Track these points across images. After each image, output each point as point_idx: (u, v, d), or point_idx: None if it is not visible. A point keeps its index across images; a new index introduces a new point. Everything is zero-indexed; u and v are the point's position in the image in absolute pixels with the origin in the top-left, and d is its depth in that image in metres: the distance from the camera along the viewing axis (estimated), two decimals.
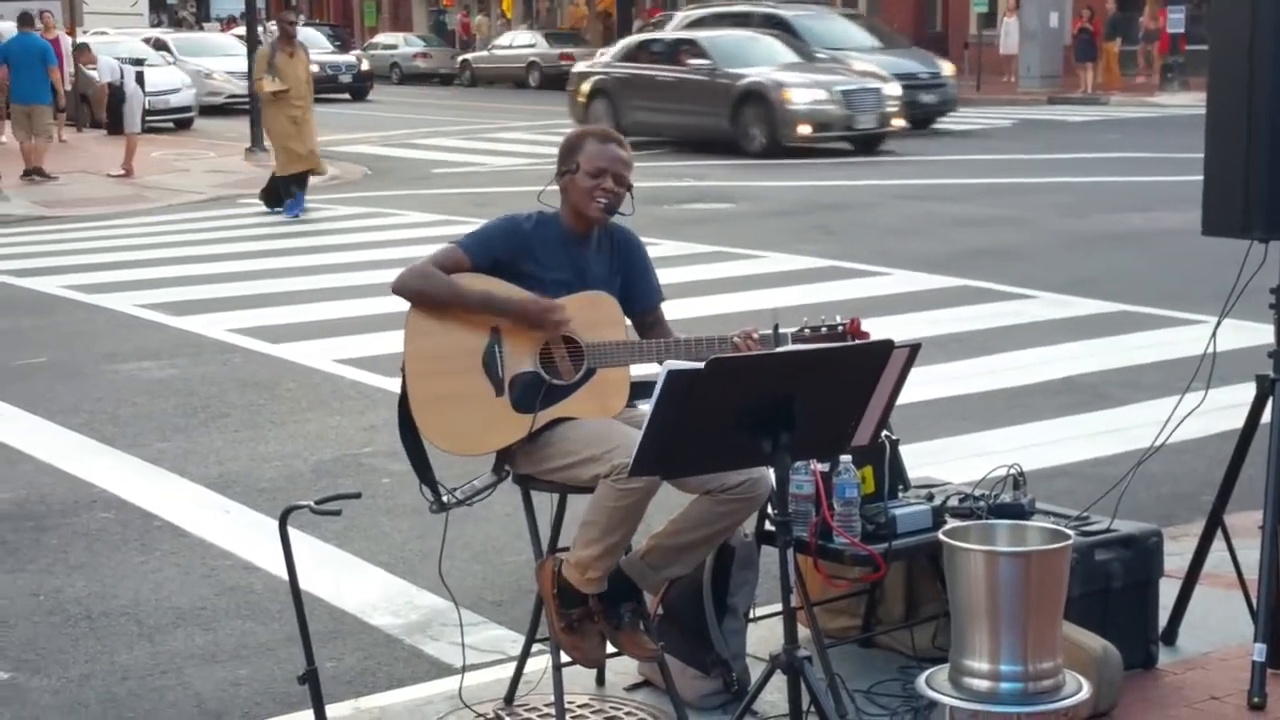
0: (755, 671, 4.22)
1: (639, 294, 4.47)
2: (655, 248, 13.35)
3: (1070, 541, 3.62)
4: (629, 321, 4.44)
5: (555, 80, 39.38)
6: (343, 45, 46.92)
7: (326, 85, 33.98)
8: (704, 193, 18.27)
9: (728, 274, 12.38)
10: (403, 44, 49.72)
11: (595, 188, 4.34)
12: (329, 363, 9.52)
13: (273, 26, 17.91)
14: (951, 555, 3.59)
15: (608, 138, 4.46)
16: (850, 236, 14.49)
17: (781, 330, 4.23)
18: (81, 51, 24.38)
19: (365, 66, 40.19)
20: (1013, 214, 15.42)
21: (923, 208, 16.36)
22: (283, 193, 17.29)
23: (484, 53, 46.61)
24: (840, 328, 4.26)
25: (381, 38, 52.36)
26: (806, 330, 4.25)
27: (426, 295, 4.28)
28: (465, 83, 45.39)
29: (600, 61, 26.10)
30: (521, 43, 44.95)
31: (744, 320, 4.32)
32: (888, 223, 15.34)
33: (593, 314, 4.31)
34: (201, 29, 54.82)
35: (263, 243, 15.27)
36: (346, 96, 38.12)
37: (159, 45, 33.30)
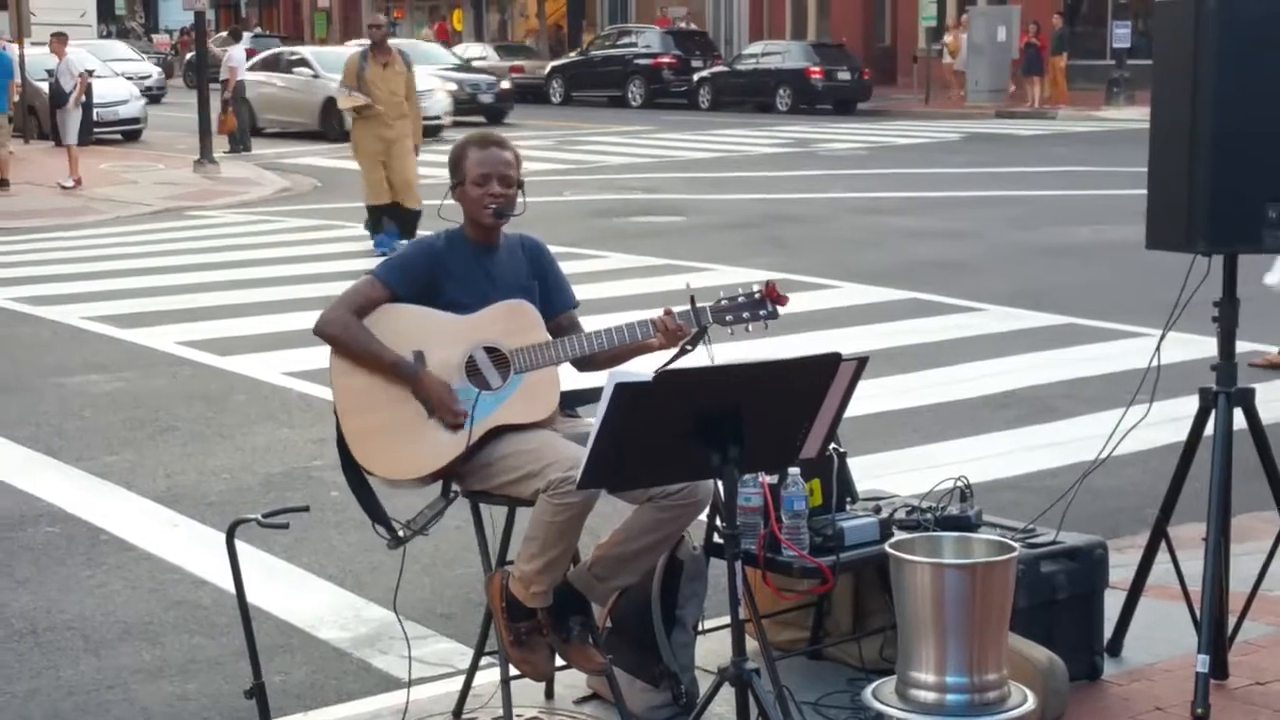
0: (704, 684, 4.24)
1: (555, 298, 4.52)
2: (603, 260, 13.54)
3: (1015, 553, 3.65)
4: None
5: (505, 92, 39.40)
6: None
7: (465, 107, 31.53)
8: (654, 205, 18.30)
9: (677, 287, 12.40)
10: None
11: (483, 195, 4.39)
12: (278, 375, 9.48)
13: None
14: (898, 567, 3.61)
15: (486, 142, 4.50)
16: (802, 249, 14.54)
17: (700, 304, 4.26)
18: (59, 40, 23.94)
19: (507, 85, 34.71)
20: (962, 227, 15.53)
21: (874, 221, 16.45)
22: (370, 222, 14.96)
23: None
24: (758, 294, 4.29)
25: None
26: (724, 300, 4.28)
27: (343, 347, 4.32)
28: None
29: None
30: (472, 55, 44.89)
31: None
32: (840, 235, 15.41)
33: (512, 322, 4.35)
34: (150, 40, 54.59)
35: (211, 255, 15.18)
36: (483, 120, 32.25)
37: (297, 62, 30.75)
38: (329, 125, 27.62)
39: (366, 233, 15.05)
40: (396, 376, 4.29)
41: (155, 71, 40.50)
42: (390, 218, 14.56)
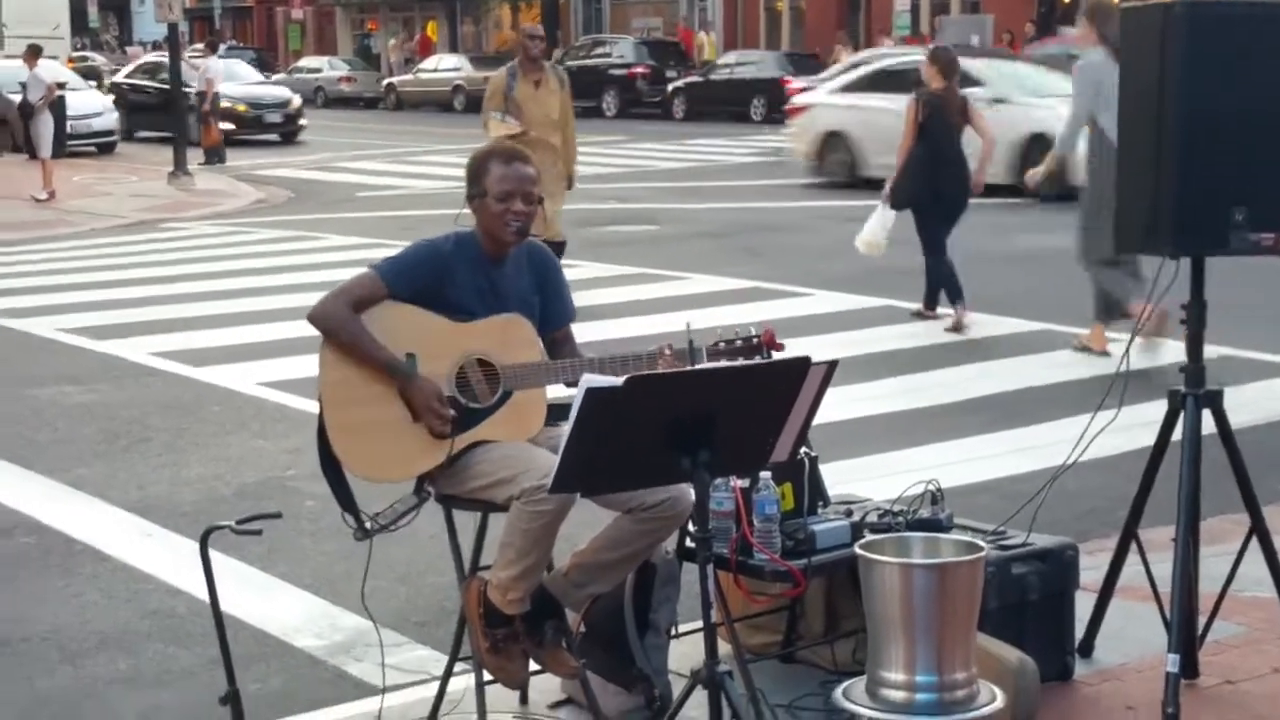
0: (677, 687, 4.25)
1: (554, 312, 4.50)
2: (578, 269, 13.54)
3: (983, 553, 3.68)
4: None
5: (480, 103, 39.37)
6: (265, 69, 46.81)
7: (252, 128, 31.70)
8: (628, 215, 18.33)
9: (651, 295, 12.43)
10: (327, 68, 49.53)
11: (505, 211, 4.35)
12: (252, 385, 9.47)
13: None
14: (867, 568, 3.64)
15: (512, 157, 4.46)
16: (775, 258, 14.58)
17: (696, 345, 4.27)
18: (31, 54, 23.85)
19: (297, 102, 33.79)
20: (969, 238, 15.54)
21: (848, 229, 16.30)
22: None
23: (409, 76, 46.52)
24: (755, 339, 4.31)
25: (306, 61, 52.10)
26: (721, 343, 4.30)
27: (338, 340, 4.28)
28: (390, 106, 45.27)
29: None
30: (447, 66, 44.92)
31: (666, 341, 4.36)
32: (814, 244, 15.45)
33: (507, 336, 4.33)
34: (124, 53, 54.40)
35: (186, 266, 15.17)
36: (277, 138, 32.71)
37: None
38: None
39: None
40: (388, 375, 4.26)
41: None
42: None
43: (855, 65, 23.45)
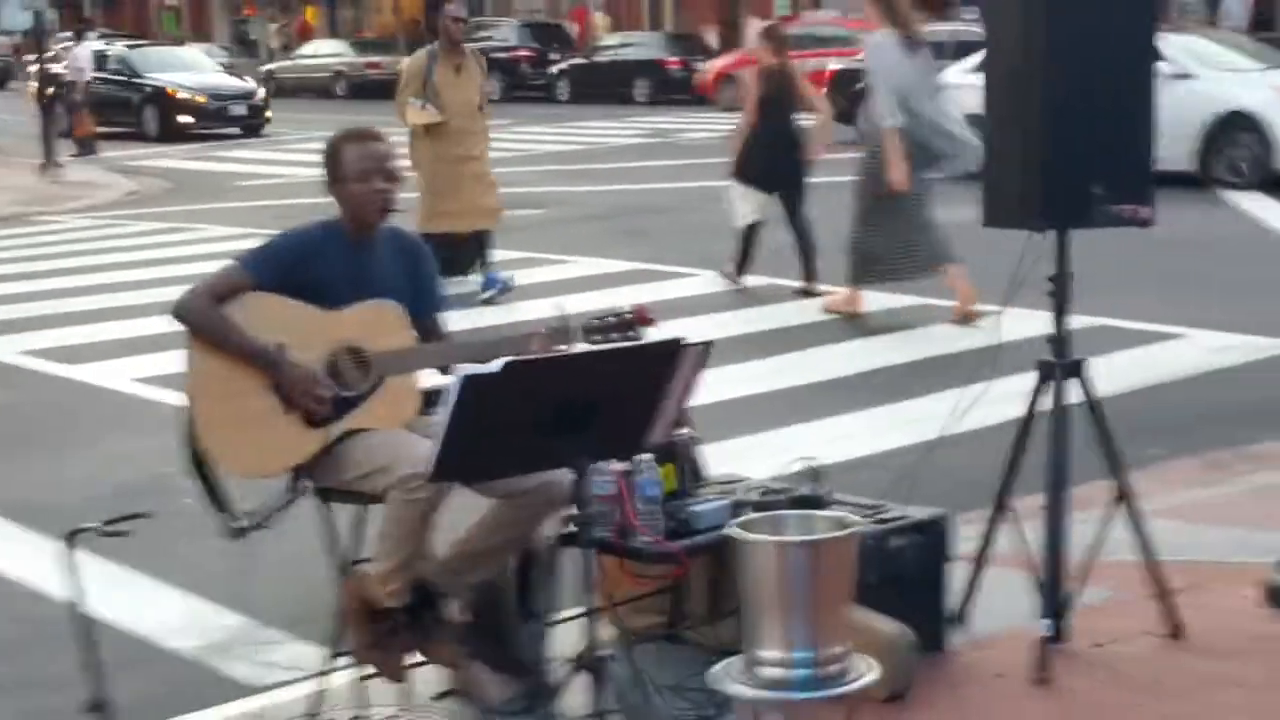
0: (562, 674, 4.25)
1: (425, 300, 4.48)
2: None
3: (855, 529, 3.71)
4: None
5: (362, 89, 39.03)
6: None
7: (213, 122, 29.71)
8: (513, 199, 18.23)
9: (538, 280, 12.39)
10: (204, 55, 48.75)
11: (367, 190, 4.32)
12: (128, 382, 9.32)
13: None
14: (741, 547, 3.66)
15: (364, 137, 4.44)
16: (662, 239, 14.60)
17: (569, 322, 4.27)
18: None
19: (262, 93, 31.59)
20: (818, 213, 15.64)
21: None
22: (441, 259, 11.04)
23: (288, 62, 45.94)
24: (627, 316, 4.32)
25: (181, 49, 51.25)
26: (593, 320, 4.30)
27: (202, 331, 4.23)
28: (270, 93, 44.70)
29: None
30: (327, 51, 44.42)
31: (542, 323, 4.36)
32: (699, 224, 15.47)
33: (378, 323, 4.30)
34: None
35: (57, 261, 14.89)
36: (238, 132, 30.04)
37: None
38: None
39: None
40: (256, 365, 4.21)
41: None
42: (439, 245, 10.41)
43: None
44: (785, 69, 11.39)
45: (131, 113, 30.07)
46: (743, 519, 3.89)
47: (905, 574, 4.60)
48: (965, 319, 9.83)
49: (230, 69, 34.35)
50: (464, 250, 11.48)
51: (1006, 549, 4.83)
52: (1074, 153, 4.42)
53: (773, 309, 10.86)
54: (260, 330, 4.22)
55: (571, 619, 4.75)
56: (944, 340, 9.48)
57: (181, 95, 29.65)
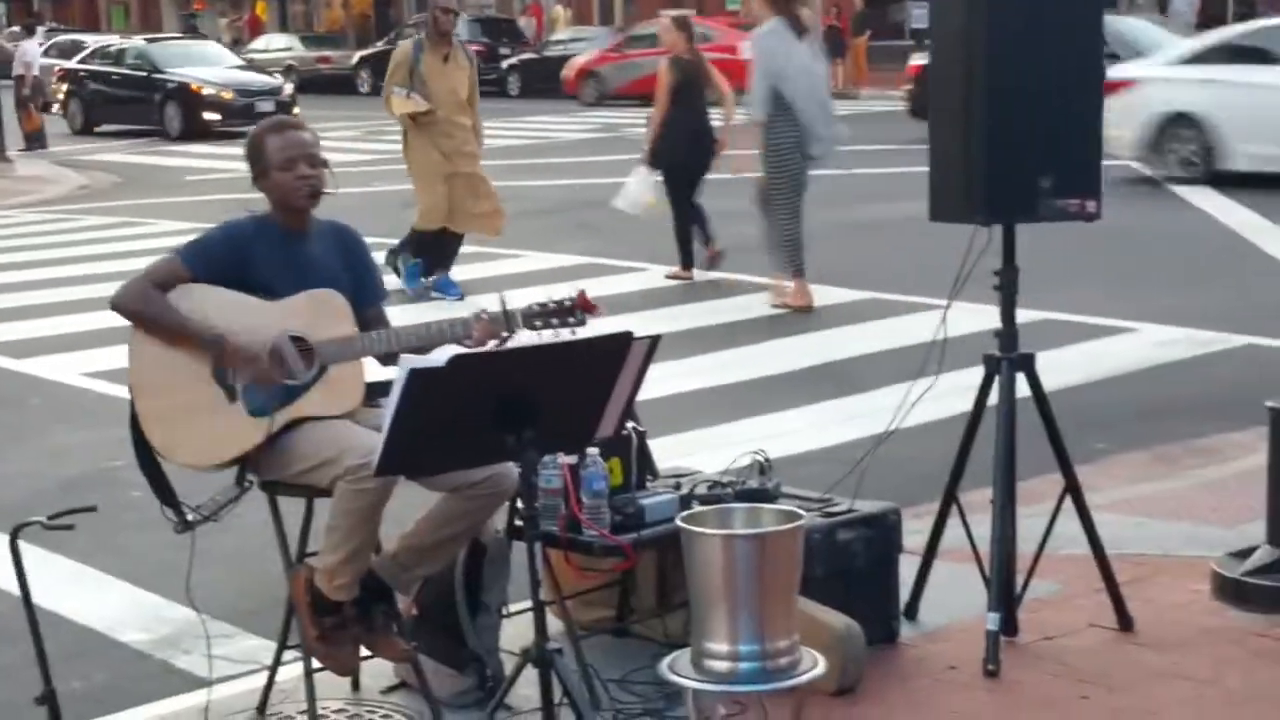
0: (510, 667, 4.25)
1: (364, 290, 4.47)
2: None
3: (802, 522, 3.73)
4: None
5: (313, 83, 38.82)
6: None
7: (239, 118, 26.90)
8: None
9: (487, 274, 12.37)
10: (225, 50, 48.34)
11: (292, 178, 4.32)
12: (77, 376, 9.26)
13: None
14: (689, 540, 3.67)
15: (284, 126, 4.45)
16: (611, 233, 14.57)
17: (510, 308, 4.27)
18: None
19: (289, 89, 29.64)
20: (734, 206, 15.70)
21: None
22: (400, 250, 11.52)
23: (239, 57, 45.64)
24: (569, 302, 4.32)
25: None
26: (535, 306, 4.30)
27: (144, 319, 4.23)
28: None
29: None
30: (277, 46, 44.19)
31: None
32: (649, 219, 15.44)
33: (319, 311, 4.29)
34: None
35: (6, 255, 14.76)
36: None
37: None
38: None
39: (389, 266, 11.19)
40: (200, 353, 4.19)
41: None
42: (435, 250, 11.41)
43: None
44: (696, 59, 11.64)
45: (152, 111, 28.27)
46: (690, 512, 3.90)
47: (854, 567, 4.62)
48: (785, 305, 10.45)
49: (251, 64, 32.17)
50: (449, 248, 11.41)
51: (956, 542, 4.87)
52: (1019, 146, 4.45)
53: (723, 303, 10.88)
54: (200, 321, 4.22)
55: (520, 613, 4.76)
56: (892, 334, 9.52)
57: (206, 92, 27.76)
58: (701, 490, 4.65)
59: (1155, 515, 6.06)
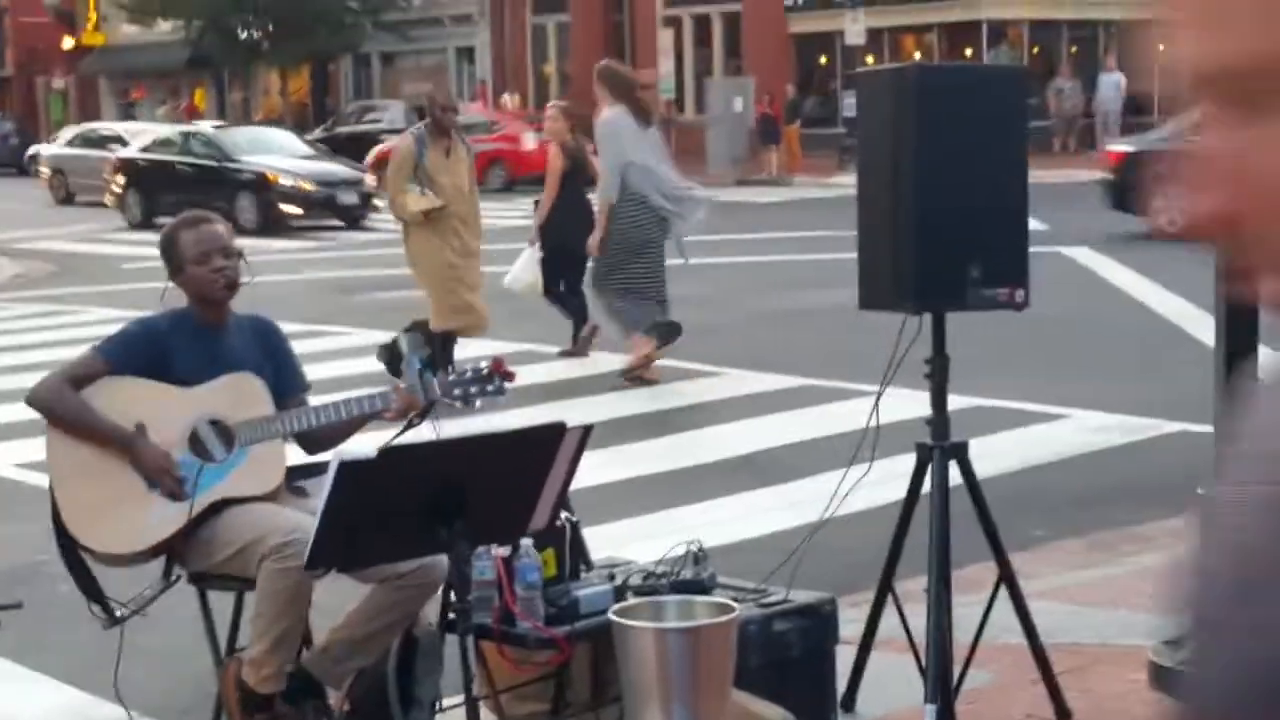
0: None
1: (286, 381, 4.48)
2: (347, 338, 13.36)
3: (736, 614, 3.71)
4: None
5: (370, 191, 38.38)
6: (24, 140, 45.60)
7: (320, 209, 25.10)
8: (399, 280, 18.16)
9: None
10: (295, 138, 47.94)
11: (208, 271, 4.34)
12: (8, 467, 9.14)
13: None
14: (621, 634, 3.64)
15: (196, 221, 4.49)
16: (549, 319, 14.55)
17: (427, 379, 4.28)
18: None
19: (372, 181, 25.41)
20: (702, 293, 15.77)
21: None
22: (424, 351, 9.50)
23: None
24: (484, 370, 4.33)
25: (68, 132, 50.74)
26: (452, 374, 4.31)
27: (57, 416, 4.23)
28: None
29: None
30: None
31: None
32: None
33: (237, 394, 4.30)
34: None
35: None
36: (342, 225, 25.45)
37: None
38: None
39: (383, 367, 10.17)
40: (113, 446, 4.20)
41: None
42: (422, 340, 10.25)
43: None
44: (580, 145, 12.09)
45: (222, 203, 23.63)
46: (622, 605, 3.87)
47: (790, 658, 4.60)
48: (637, 377, 10.85)
49: (325, 153, 29.11)
50: (450, 346, 10.87)
51: (893, 632, 4.85)
52: (948, 236, 4.49)
53: (655, 390, 10.88)
54: (121, 411, 4.23)
55: (453, 707, 4.70)
56: (825, 421, 9.54)
57: (284, 182, 25.01)
58: (636, 581, 4.62)
59: (1092, 603, 6.07)
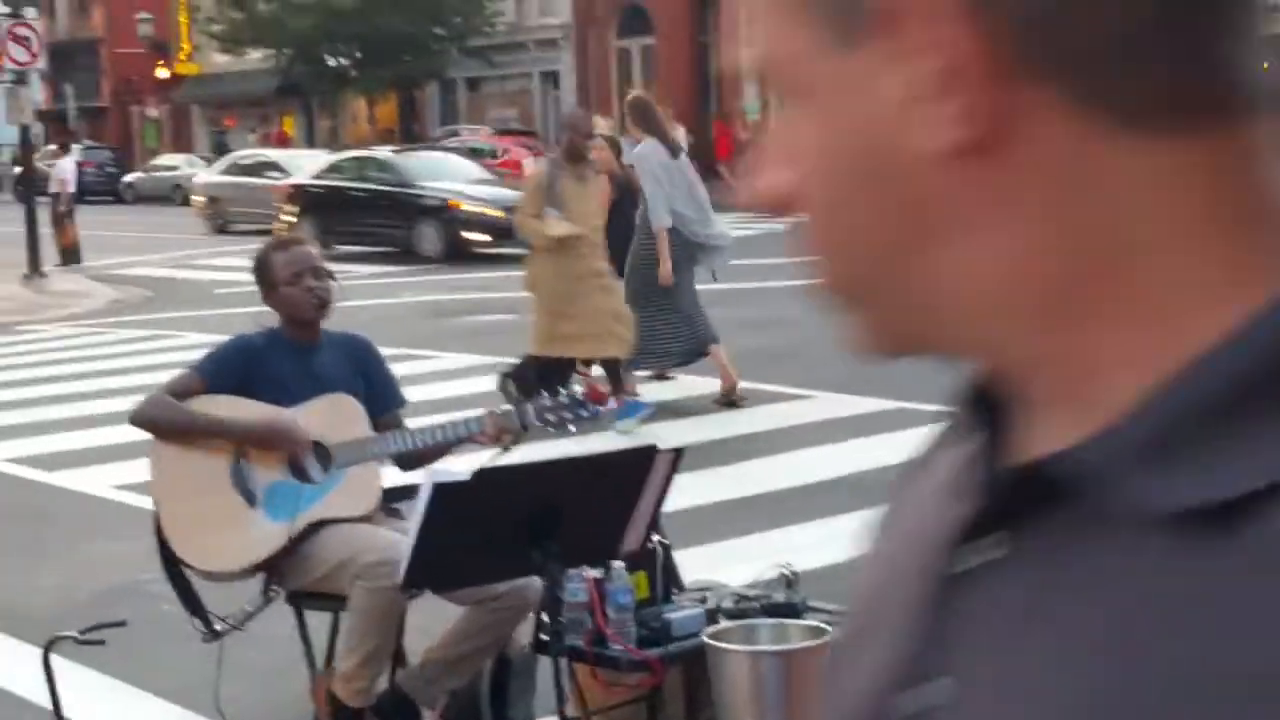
0: None
1: (381, 398, 4.56)
2: (437, 360, 13.52)
3: (829, 637, 3.73)
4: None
5: None
6: (121, 169, 46.43)
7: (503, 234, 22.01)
8: (489, 304, 18.34)
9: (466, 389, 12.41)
10: (185, 165, 49.04)
11: (299, 290, 4.43)
12: (108, 489, 9.32)
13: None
14: (715, 657, 3.68)
15: (288, 243, 4.59)
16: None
17: (522, 404, 4.34)
18: None
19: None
20: (784, 315, 15.75)
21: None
22: (517, 378, 10.73)
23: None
24: (579, 395, 4.38)
25: (162, 159, 51.64)
26: (545, 403, 4.37)
27: (162, 425, 4.32)
28: None
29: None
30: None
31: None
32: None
33: (335, 416, 4.38)
34: None
35: (38, 370, 14.90)
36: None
37: None
38: None
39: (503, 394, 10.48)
40: (223, 436, 4.28)
41: None
42: (554, 377, 8.96)
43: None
44: (628, 173, 11.99)
45: (402, 230, 24.33)
46: (716, 628, 3.91)
47: None
48: (728, 400, 10.88)
49: (498, 179, 26.57)
50: (562, 371, 10.24)
51: None
52: None
53: (745, 414, 10.90)
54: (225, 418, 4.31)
55: None
56: (916, 444, 9.51)
57: (468, 208, 23.43)
58: (728, 604, 4.65)
59: None
